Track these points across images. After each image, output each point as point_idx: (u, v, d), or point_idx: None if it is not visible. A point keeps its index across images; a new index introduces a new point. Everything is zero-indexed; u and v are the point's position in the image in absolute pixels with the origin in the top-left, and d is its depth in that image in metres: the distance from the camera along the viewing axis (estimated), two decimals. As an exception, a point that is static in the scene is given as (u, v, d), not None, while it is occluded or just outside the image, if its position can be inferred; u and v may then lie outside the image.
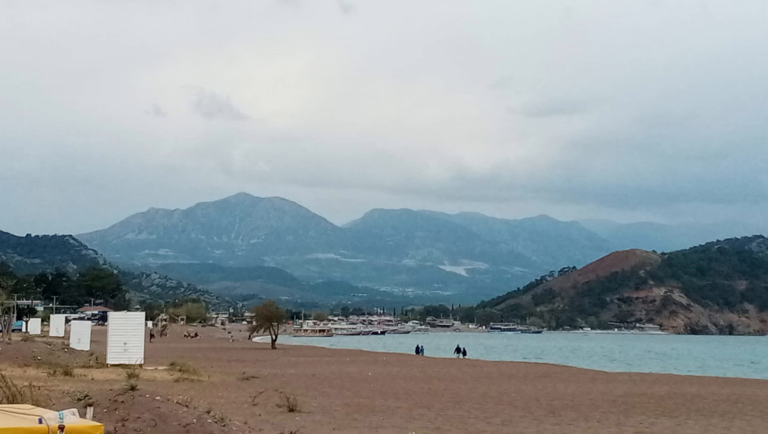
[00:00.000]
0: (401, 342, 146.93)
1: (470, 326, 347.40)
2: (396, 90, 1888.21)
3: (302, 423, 21.25)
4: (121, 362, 39.27)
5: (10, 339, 53.59)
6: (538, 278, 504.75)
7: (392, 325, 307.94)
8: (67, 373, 33.16)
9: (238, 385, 34.31)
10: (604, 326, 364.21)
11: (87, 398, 16.22)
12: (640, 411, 27.84)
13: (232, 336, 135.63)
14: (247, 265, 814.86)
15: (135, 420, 15.48)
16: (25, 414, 6.81)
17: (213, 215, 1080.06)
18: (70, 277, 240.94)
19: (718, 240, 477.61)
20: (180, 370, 38.55)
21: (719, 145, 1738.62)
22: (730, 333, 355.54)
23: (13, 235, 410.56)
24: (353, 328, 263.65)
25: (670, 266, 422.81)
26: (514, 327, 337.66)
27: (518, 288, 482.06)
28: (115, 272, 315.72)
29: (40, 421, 6.50)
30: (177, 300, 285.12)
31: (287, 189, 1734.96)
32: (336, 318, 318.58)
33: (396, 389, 35.48)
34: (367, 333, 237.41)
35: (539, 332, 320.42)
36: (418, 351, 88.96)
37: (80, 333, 59.63)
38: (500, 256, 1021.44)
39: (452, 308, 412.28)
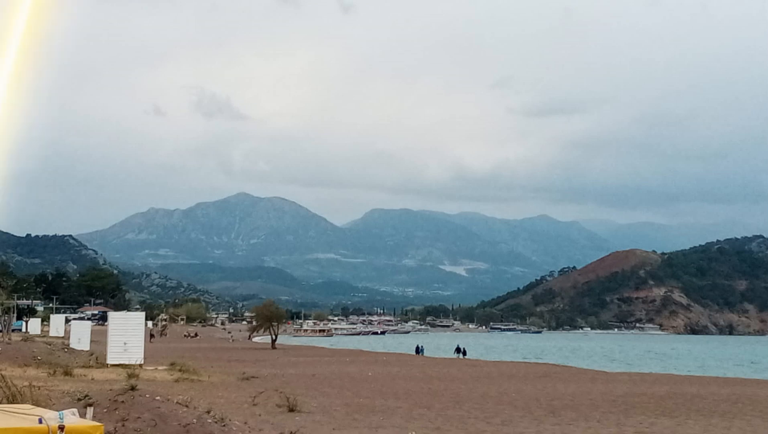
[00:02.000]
0: (401, 342, 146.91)
1: (470, 326, 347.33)
2: (396, 90, 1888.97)
3: (302, 423, 21.25)
4: (121, 362, 39.28)
5: (10, 339, 53.58)
6: (538, 278, 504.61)
7: (392, 325, 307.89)
8: (67, 373, 33.14)
9: (238, 385, 34.30)
10: (604, 326, 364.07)
11: (87, 398, 16.23)
12: (640, 411, 27.83)
13: (232, 336, 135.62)
14: (247, 265, 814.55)
15: (135, 420, 15.48)
16: (25, 414, 6.82)
17: (213, 215, 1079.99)
18: (70, 277, 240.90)
19: (718, 240, 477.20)
20: (180, 370, 38.54)
21: (719, 145, 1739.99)
22: (730, 333, 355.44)
23: (13, 235, 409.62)
24: (353, 328, 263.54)
25: (670, 266, 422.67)
26: (514, 327, 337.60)
27: (518, 288, 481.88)
28: (115, 272, 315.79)
29: (40, 421, 6.50)
30: (177, 300, 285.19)
31: (287, 189, 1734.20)
32: (336, 318, 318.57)
33: (396, 389, 35.47)
34: (367, 333, 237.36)
35: (539, 332, 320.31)
36: (418, 351, 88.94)
37: (80, 333, 59.67)
38: (500, 256, 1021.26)
39: (452, 308, 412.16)
